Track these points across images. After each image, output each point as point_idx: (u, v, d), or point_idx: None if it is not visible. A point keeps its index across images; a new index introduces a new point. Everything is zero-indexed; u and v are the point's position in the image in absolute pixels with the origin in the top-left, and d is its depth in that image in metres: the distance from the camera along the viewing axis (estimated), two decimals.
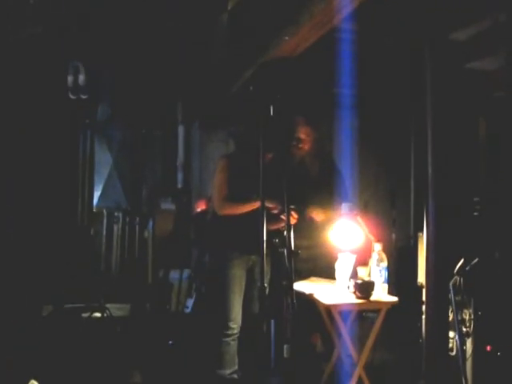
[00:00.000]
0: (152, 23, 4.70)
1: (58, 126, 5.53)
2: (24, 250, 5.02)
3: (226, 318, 3.42)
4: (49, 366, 3.63)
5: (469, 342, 3.00)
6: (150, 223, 5.79)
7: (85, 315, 4.88)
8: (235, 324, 3.43)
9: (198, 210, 5.23)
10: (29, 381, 3.17)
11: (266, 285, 2.73)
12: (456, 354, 3.04)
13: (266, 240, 2.66)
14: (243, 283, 3.50)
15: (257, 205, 3.24)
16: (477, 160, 4.15)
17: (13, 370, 3.41)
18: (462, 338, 3.01)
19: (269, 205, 3.16)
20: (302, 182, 3.80)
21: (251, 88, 3.45)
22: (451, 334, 3.08)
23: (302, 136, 3.85)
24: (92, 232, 6.00)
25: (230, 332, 3.43)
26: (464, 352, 3.00)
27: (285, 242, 2.81)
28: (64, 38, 4.77)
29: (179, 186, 6.23)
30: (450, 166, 3.29)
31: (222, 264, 3.50)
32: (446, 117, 3.18)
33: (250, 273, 3.54)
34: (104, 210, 6.10)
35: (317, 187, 3.85)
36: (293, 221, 3.31)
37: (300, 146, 3.86)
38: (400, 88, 4.46)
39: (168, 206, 5.99)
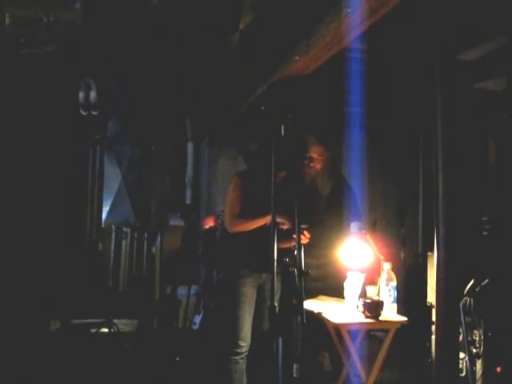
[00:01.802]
0: (163, 41, 4.74)
1: (68, 141, 5.58)
2: (32, 265, 5.04)
3: (235, 337, 3.40)
4: (57, 381, 3.63)
5: (479, 363, 2.98)
6: (158, 239, 5.80)
7: (92, 330, 4.88)
8: (245, 342, 3.42)
9: (207, 226, 5.24)
10: None
11: (276, 303, 2.73)
12: (466, 375, 3.02)
13: (277, 258, 2.66)
14: (253, 301, 3.48)
15: (266, 220, 3.26)
16: (486, 180, 4.15)
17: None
18: (472, 359, 2.99)
19: (278, 220, 3.17)
20: (313, 200, 3.81)
21: (263, 108, 3.47)
22: (461, 354, 3.06)
23: (314, 155, 3.87)
24: (100, 247, 6.01)
25: (239, 350, 3.41)
26: (474, 373, 2.98)
27: (295, 261, 2.80)
28: (76, 56, 4.81)
29: (188, 202, 6.25)
30: (460, 186, 3.29)
31: (232, 281, 3.48)
32: (455, 136, 3.18)
33: (260, 291, 3.53)
34: (112, 226, 6.11)
35: (328, 206, 3.86)
36: (305, 240, 3.31)
37: (312, 165, 3.87)
38: (409, 107, 4.48)
39: (176, 222, 6.00)
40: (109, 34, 4.72)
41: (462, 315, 3.02)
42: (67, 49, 4.62)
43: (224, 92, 5.11)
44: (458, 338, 3.07)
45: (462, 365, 3.09)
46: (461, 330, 3.05)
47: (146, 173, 6.23)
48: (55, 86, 5.20)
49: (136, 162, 6.24)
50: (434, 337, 3.34)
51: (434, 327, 3.35)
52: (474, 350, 3.00)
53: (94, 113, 5.34)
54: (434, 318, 3.36)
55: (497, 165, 4.18)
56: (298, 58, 3.70)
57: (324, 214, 3.81)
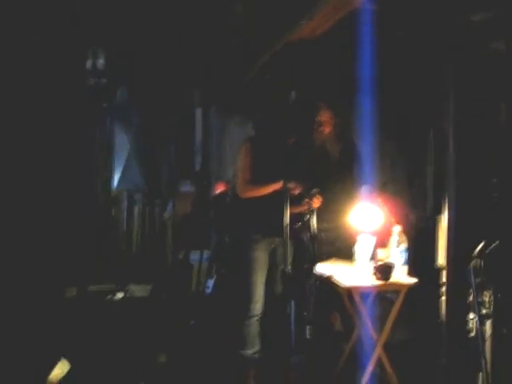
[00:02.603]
0: (170, 9, 4.70)
1: (76, 110, 5.57)
2: (46, 233, 5.10)
3: (249, 300, 3.47)
4: (76, 346, 3.71)
5: (488, 324, 3.02)
6: (170, 205, 5.85)
7: (108, 296, 4.97)
8: (258, 305, 3.48)
9: (217, 192, 5.28)
10: (59, 360, 3.26)
11: (288, 267, 2.77)
12: (475, 336, 3.06)
13: (290, 223, 2.70)
14: (266, 266, 3.54)
15: (278, 185, 3.28)
16: (497, 142, 4.14)
17: (43, 350, 3.50)
18: (482, 319, 3.03)
19: (290, 185, 3.19)
20: (323, 164, 3.82)
21: (267, 77, 3.46)
22: (470, 315, 3.11)
23: (323, 119, 3.86)
24: (113, 213, 6.07)
25: (252, 314, 3.48)
26: (483, 333, 3.03)
27: (307, 226, 2.84)
28: (84, 24, 4.78)
29: (197, 168, 6.28)
30: (471, 148, 3.29)
31: (245, 246, 3.53)
32: (467, 98, 3.17)
33: (272, 255, 3.58)
34: (124, 193, 6.16)
35: (338, 170, 3.87)
36: (317, 204, 3.34)
37: (321, 129, 3.87)
38: (421, 71, 4.43)
39: (187, 188, 6.04)
40: (117, 3, 4.69)
41: (471, 276, 3.05)
42: (75, 16, 4.59)
43: (231, 59, 5.08)
44: (468, 299, 3.11)
45: (472, 325, 3.13)
46: (470, 292, 3.08)
47: (155, 139, 6.24)
48: (62, 53, 5.18)
49: (145, 130, 6.25)
50: (443, 298, 3.39)
51: (443, 289, 3.40)
52: (484, 311, 3.04)
53: (102, 81, 5.32)
54: (443, 280, 3.41)
55: (508, 128, 4.16)
56: (304, 22, 3.67)
57: (334, 177, 3.83)
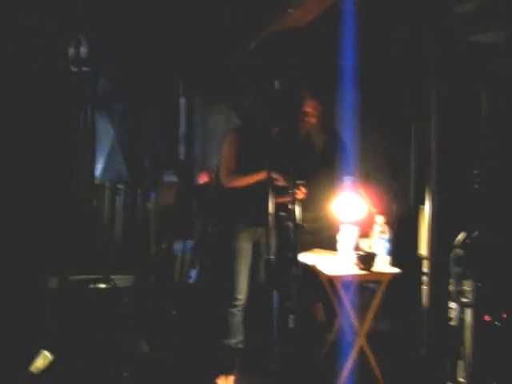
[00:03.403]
0: None
1: (59, 98, 5.52)
2: (27, 223, 5.06)
3: (233, 290, 3.48)
4: (58, 337, 3.70)
5: (468, 313, 3.06)
6: (153, 195, 5.83)
7: (90, 286, 4.95)
8: (241, 295, 3.49)
9: (201, 182, 5.28)
10: (40, 351, 3.24)
11: (271, 257, 2.78)
12: (456, 324, 3.11)
13: (274, 213, 2.71)
14: (250, 255, 3.55)
15: (262, 175, 3.28)
16: (478, 132, 4.18)
17: (24, 341, 3.48)
18: (462, 308, 3.07)
19: (274, 175, 3.20)
20: (308, 155, 3.84)
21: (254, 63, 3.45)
22: (451, 304, 3.15)
23: (308, 109, 3.86)
24: (95, 203, 6.03)
25: (236, 303, 3.49)
26: (463, 322, 3.07)
27: (290, 216, 2.85)
28: (66, 11, 4.73)
29: (181, 157, 6.26)
30: (452, 139, 3.32)
31: (229, 236, 3.54)
32: (448, 89, 3.20)
33: (255, 244, 3.59)
34: (106, 183, 6.13)
35: (322, 160, 3.89)
36: (301, 195, 3.35)
37: (306, 119, 3.87)
38: (404, 61, 4.45)
39: (170, 178, 6.02)
40: None
41: (452, 266, 3.09)
42: (57, 3, 4.54)
43: (216, 47, 5.06)
44: (448, 289, 3.15)
45: (452, 314, 3.17)
46: (451, 281, 3.12)
47: (139, 129, 6.21)
48: (44, 41, 5.12)
49: (128, 119, 6.21)
50: (425, 287, 3.43)
51: (425, 278, 3.44)
52: (464, 300, 3.08)
53: (85, 69, 5.27)
54: (425, 270, 3.45)
55: (488, 118, 4.21)
56: (291, 10, 3.67)
57: (318, 168, 3.85)
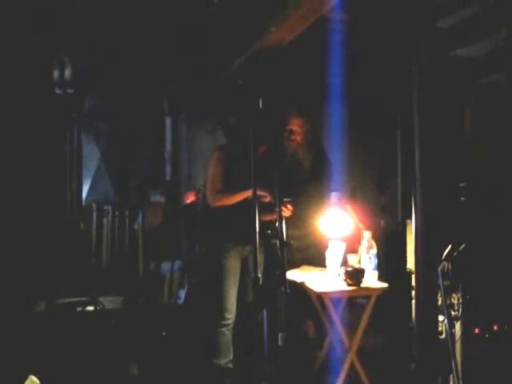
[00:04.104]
0: (137, 14, 4.70)
1: (44, 120, 5.53)
2: (14, 246, 5.04)
3: (221, 309, 3.49)
4: (46, 361, 3.68)
5: (458, 326, 3.09)
6: (140, 216, 5.82)
7: (78, 309, 4.93)
8: (230, 314, 3.50)
9: (188, 201, 5.28)
10: (27, 376, 3.22)
11: (259, 275, 2.80)
12: (445, 337, 3.13)
13: (260, 231, 2.73)
14: (238, 274, 3.57)
15: (248, 194, 3.30)
16: (463, 146, 4.24)
17: (11, 366, 3.46)
18: (451, 321, 3.10)
19: (260, 193, 3.23)
20: (294, 172, 3.87)
21: (240, 82, 3.50)
22: (440, 317, 3.18)
23: (295, 128, 3.90)
24: (82, 226, 6.03)
25: (225, 322, 3.50)
26: (453, 335, 3.10)
27: (277, 233, 2.87)
28: (49, 32, 4.76)
29: (168, 178, 6.27)
30: (437, 153, 3.37)
31: (216, 255, 3.56)
32: (432, 104, 3.24)
33: (244, 263, 3.61)
34: (93, 204, 6.13)
35: (309, 178, 3.92)
36: (287, 213, 3.38)
37: (292, 137, 3.91)
38: (388, 78, 4.52)
39: (157, 198, 6.03)
40: (80, 9, 4.67)
41: (440, 279, 3.12)
42: (40, 24, 4.56)
43: (200, 65, 5.11)
44: (437, 302, 3.18)
45: (442, 327, 3.20)
46: (439, 294, 3.15)
47: (125, 149, 6.22)
48: (28, 63, 5.14)
49: (114, 139, 6.23)
50: (413, 301, 3.46)
51: (413, 292, 3.47)
52: (453, 313, 3.11)
53: (70, 91, 5.30)
54: (413, 284, 3.48)
55: (472, 131, 4.27)
56: (274, 29, 3.73)
57: (305, 185, 3.88)
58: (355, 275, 3.35)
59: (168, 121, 6.23)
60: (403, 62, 3.54)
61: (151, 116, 6.25)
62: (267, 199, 3.36)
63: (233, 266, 3.53)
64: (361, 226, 3.63)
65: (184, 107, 6.03)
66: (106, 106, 6.14)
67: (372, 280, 3.46)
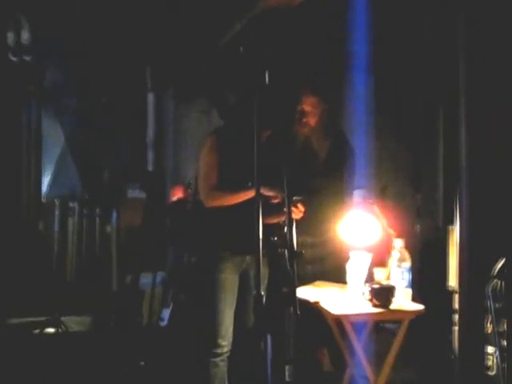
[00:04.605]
0: None
1: None
2: None
3: (214, 334, 3.48)
4: None
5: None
6: (114, 215, 5.84)
7: (35, 331, 4.94)
8: (225, 341, 3.50)
9: (174, 198, 5.30)
10: None
11: (262, 292, 2.79)
12: (495, 374, 3.13)
13: (264, 237, 2.72)
14: (236, 290, 3.55)
15: (251, 193, 3.29)
16: None
17: None
18: (503, 353, 3.09)
19: (268, 193, 3.22)
20: (307, 164, 3.87)
21: (241, 49, 3.48)
22: (489, 349, 3.17)
23: (307, 108, 3.86)
24: (41, 227, 6.04)
25: (219, 351, 3.49)
26: (505, 371, 3.09)
27: (285, 240, 2.87)
28: None
29: (150, 168, 6.28)
30: (490, 142, 3.35)
31: (209, 267, 3.55)
32: (482, 84, 3.23)
33: (243, 277, 3.60)
34: (55, 200, 6.14)
35: (325, 171, 3.91)
36: (299, 215, 3.37)
37: (304, 120, 3.88)
38: (428, 45, 4.50)
39: (136, 193, 6.05)
40: None
41: (489, 301, 3.12)
42: None
43: (193, 29, 5.10)
44: (486, 330, 3.17)
45: (491, 361, 3.19)
46: (489, 319, 3.14)
47: (97, 133, 6.23)
48: None
49: (83, 120, 6.24)
50: (456, 328, 3.45)
51: (456, 316, 3.46)
52: (505, 343, 3.10)
53: (27, 58, 5.30)
54: (456, 306, 3.47)
55: None
56: None
57: (321, 181, 3.86)
58: (383, 294, 3.34)
59: (151, 98, 6.24)
60: (448, 21, 3.52)
61: (130, 91, 6.24)
62: (276, 200, 3.34)
63: (229, 280, 3.52)
64: (391, 232, 3.62)
65: (171, 81, 6.02)
66: (73, 78, 6.13)
67: (404, 300, 3.45)
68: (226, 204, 3.48)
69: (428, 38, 4.41)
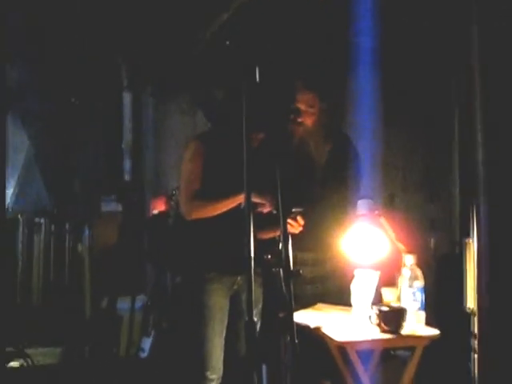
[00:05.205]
0: None
1: None
2: None
3: (201, 366, 3.47)
4: None
5: None
6: (86, 232, 5.83)
7: None
8: (215, 374, 3.49)
9: (155, 211, 5.30)
10: None
11: (255, 318, 2.80)
12: None
13: (256, 255, 2.72)
14: (226, 316, 3.56)
15: (239, 200, 3.31)
16: None
17: None
18: None
19: (257, 200, 3.23)
20: (304, 170, 3.88)
21: (228, 42, 3.50)
22: None
23: (303, 107, 3.87)
24: (3, 245, 6.02)
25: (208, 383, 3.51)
26: None
27: (281, 258, 2.87)
28: None
29: (127, 177, 6.28)
30: (508, 146, 3.37)
31: (194, 289, 3.55)
32: (500, 77, 3.25)
33: (234, 301, 3.60)
34: (20, 216, 6.14)
35: (326, 178, 3.92)
36: (297, 229, 3.38)
37: (300, 120, 3.89)
38: (440, 34, 4.51)
39: (111, 206, 6.04)
40: None
41: None
42: None
43: (174, 20, 5.12)
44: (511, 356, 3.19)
45: None
46: None
47: (66, 138, 6.22)
48: None
49: (50, 124, 6.23)
50: (475, 355, 3.46)
51: (475, 342, 3.46)
52: None
53: None
54: (475, 329, 3.48)
55: None
56: None
57: (320, 189, 3.87)
58: (393, 318, 3.35)
59: (127, 98, 6.25)
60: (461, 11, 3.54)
61: (103, 92, 6.24)
62: (266, 209, 3.35)
63: (218, 305, 3.52)
64: (401, 246, 3.63)
65: (150, 79, 6.03)
66: (40, 79, 6.13)
67: (417, 324, 3.46)
68: (208, 214, 3.48)
69: (440, 25, 4.44)
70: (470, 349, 3.55)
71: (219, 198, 3.45)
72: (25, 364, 5.03)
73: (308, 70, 4.16)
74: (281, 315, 2.84)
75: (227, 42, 3.50)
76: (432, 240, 4.58)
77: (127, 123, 6.28)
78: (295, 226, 3.43)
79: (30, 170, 6.26)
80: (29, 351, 5.12)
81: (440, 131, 4.79)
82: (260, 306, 3.52)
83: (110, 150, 6.40)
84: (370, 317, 3.41)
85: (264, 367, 3.34)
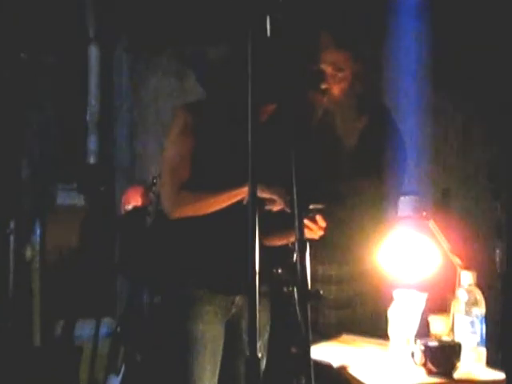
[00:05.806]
0: None
1: None
2: None
3: None
4: None
5: None
6: (38, 232, 5.85)
7: None
8: None
9: (129, 206, 5.30)
10: None
11: (260, 353, 2.78)
12: None
13: (262, 268, 2.71)
14: (219, 348, 3.57)
15: (241, 195, 3.31)
16: None
17: None
18: None
19: (264, 194, 3.23)
20: (328, 155, 3.87)
21: None
22: None
23: (329, 69, 3.87)
24: None
25: None
26: None
27: (295, 273, 2.86)
28: None
29: (91, 160, 6.28)
30: None
31: (178, 312, 3.56)
32: None
33: (231, 329, 3.61)
34: None
35: (357, 166, 3.90)
36: (318, 233, 3.36)
37: (324, 87, 3.88)
38: None
39: (70, 199, 6.05)
40: None
41: None
42: None
43: None
44: None
45: None
46: None
47: (11, 108, 6.24)
48: None
49: None
50: None
51: None
52: None
53: None
54: None
55: None
56: None
57: (349, 181, 3.87)
58: (444, 356, 3.34)
59: (94, 53, 6.23)
60: None
61: (61, 45, 6.25)
62: (277, 206, 3.34)
63: (209, 333, 3.53)
64: (456, 260, 3.61)
65: (125, 28, 6.04)
66: None
67: (475, 365, 3.44)
68: (199, 213, 3.47)
69: None
70: None
71: (215, 191, 3.44)
72: None
73: (338, 19, 4.14)
74: (294, 350, 2.84)
75: None
76: (498, 252, 4.57)
77: (93, 88, 6.27)
78: (314, 229, 3.41)
79: None
80: None
81: (505, 110, 4.80)
82: (266, 336, 3.53)
83: (69, 123, 6.40)
84: (412, 354, 3.40)
85: None
